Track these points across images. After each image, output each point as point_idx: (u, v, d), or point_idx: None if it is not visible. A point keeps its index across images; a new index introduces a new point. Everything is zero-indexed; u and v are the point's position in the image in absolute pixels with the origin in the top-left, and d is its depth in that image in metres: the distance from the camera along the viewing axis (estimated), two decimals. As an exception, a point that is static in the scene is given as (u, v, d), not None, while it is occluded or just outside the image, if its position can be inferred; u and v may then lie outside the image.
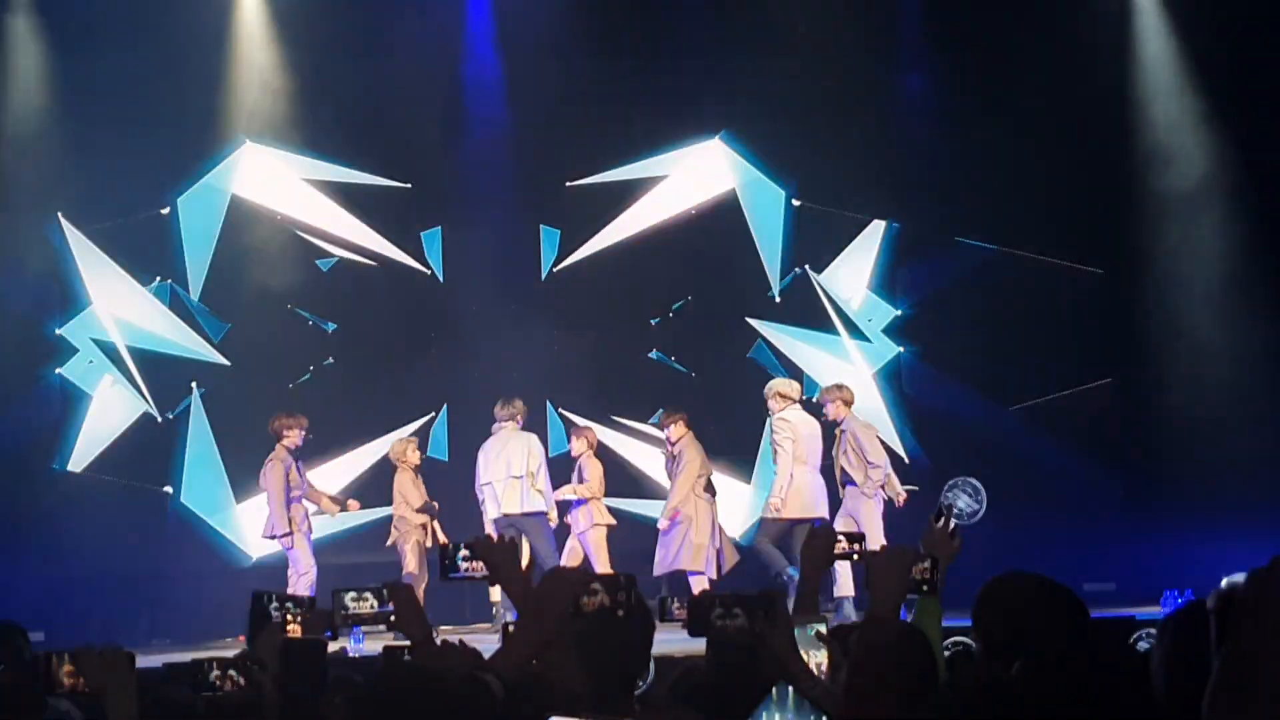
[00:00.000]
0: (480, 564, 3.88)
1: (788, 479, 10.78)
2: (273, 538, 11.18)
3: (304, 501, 11.20)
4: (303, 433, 11.18)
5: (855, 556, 4.05)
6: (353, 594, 3.96)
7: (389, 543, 11.53)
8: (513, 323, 12.66)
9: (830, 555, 4.09)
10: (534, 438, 11.46)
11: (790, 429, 10.88)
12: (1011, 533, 11.62)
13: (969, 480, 11.84)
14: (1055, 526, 12.60)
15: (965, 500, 11.83)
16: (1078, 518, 12.86)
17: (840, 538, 4.05)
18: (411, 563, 11.30)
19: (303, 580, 10.84)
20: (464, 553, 3.78)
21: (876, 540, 10.33)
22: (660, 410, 11.64)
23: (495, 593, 11.11)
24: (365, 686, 3.26)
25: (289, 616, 4.06)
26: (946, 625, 3.96)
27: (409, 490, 11.49)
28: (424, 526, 11.47)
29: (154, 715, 3.65)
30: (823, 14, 12.61)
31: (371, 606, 3.94)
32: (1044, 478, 12.99)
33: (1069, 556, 11.37)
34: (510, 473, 11.16)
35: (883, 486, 10.89)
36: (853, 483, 10.80)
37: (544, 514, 11.27)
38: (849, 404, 11.10)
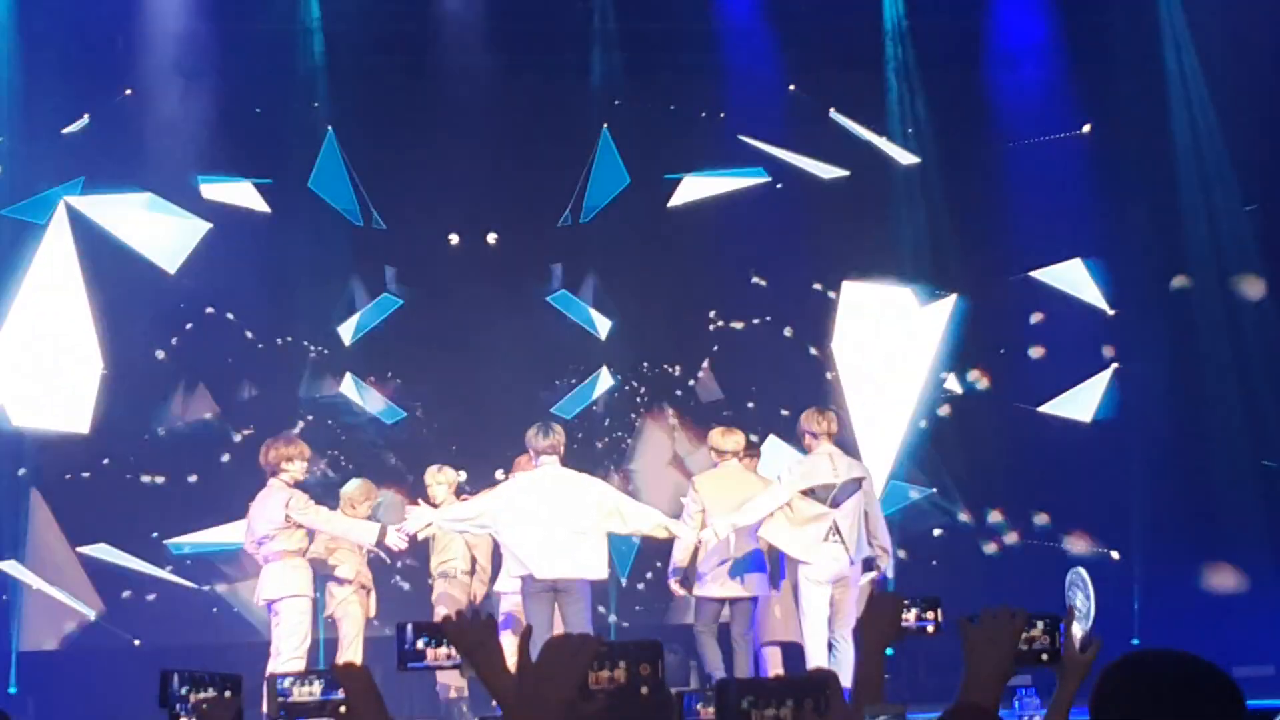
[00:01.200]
0: (447, 649, 3.32)
1: (682, 552, 9.69)
2: (279, 599, 9.50)
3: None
4: (306, 465, 9.69)
5: (930, 629, 3.17)
6: (295, 679, 3.15)
7: (326, 614, 10.16)
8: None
9: (897, 625, 3.51)
10: (596, 480, 9.68)
11: (697, 499, 9.62)
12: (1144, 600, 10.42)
13: (1078, 571, 10.36)
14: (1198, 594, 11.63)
15: (1081, 598, 10.22)
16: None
17: (908, 604, 3.17)
18: (353, 643, 9.93)
19: (301, 650, 9.36)
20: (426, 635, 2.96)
21: (813, 633, 9.25)
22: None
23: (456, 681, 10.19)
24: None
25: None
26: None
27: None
28: (366, 590, 10.22)
29: None
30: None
31: (317, 694, 3.12)
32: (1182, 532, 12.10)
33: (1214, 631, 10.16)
34: (575, 527, 9.12)
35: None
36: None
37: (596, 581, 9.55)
38: (819, 435, 9.46)
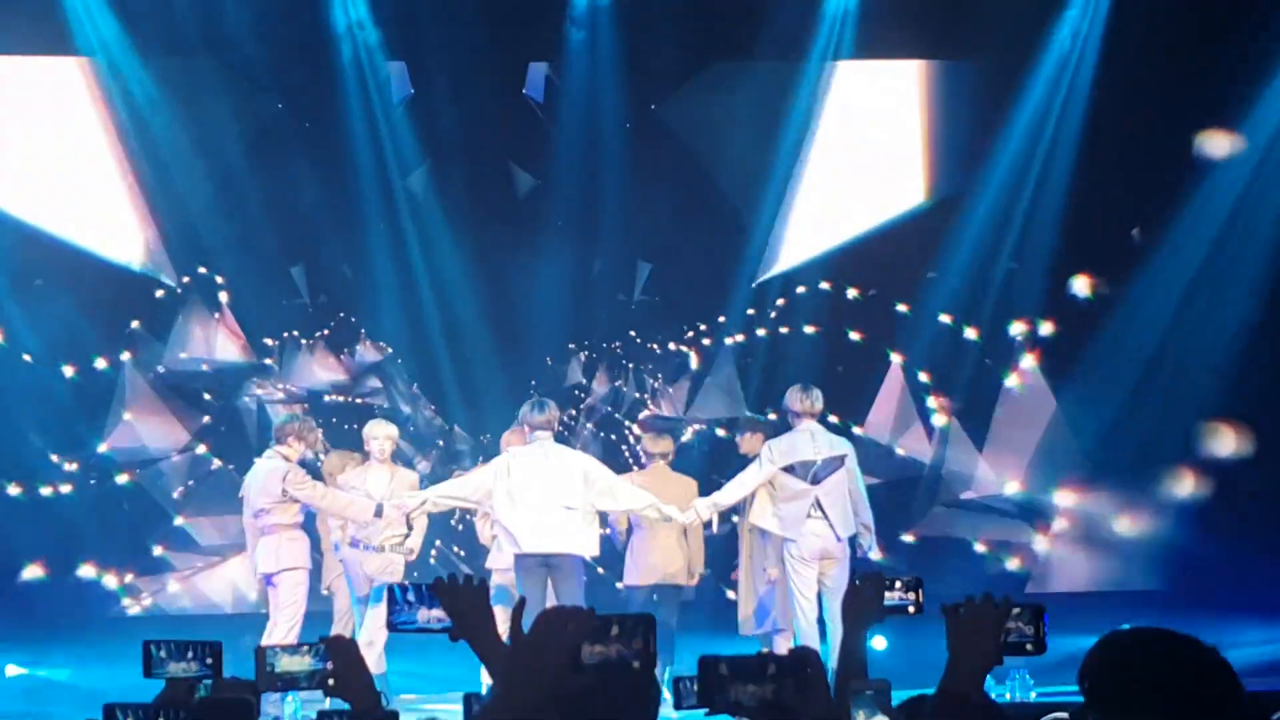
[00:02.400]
0: (440, 612, 3.23)
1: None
2: (276, 572, 9.56)
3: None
4: (305, 451, 9.72)
5: (911, 609, 3.19)
6: (284, 650, 3.17)
7: (325, 588, 10.26)
8: None
9: (880, 606, 3.53)
10: (588, 457, 9.94)
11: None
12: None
13: None
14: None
15: None
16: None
17: (891, 583, 3.20)
18: (346, 615, 10.06)
19: (297, 621, 9.48)
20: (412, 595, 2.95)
21: (801, 611, 9.36)
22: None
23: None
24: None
25: None
26: (1045, 695, 3.09)
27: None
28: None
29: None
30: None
31: (306, 664, 3.15)
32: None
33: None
34: (565, 503, 9.18)
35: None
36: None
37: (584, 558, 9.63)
38: (801, 414, 9.56)
